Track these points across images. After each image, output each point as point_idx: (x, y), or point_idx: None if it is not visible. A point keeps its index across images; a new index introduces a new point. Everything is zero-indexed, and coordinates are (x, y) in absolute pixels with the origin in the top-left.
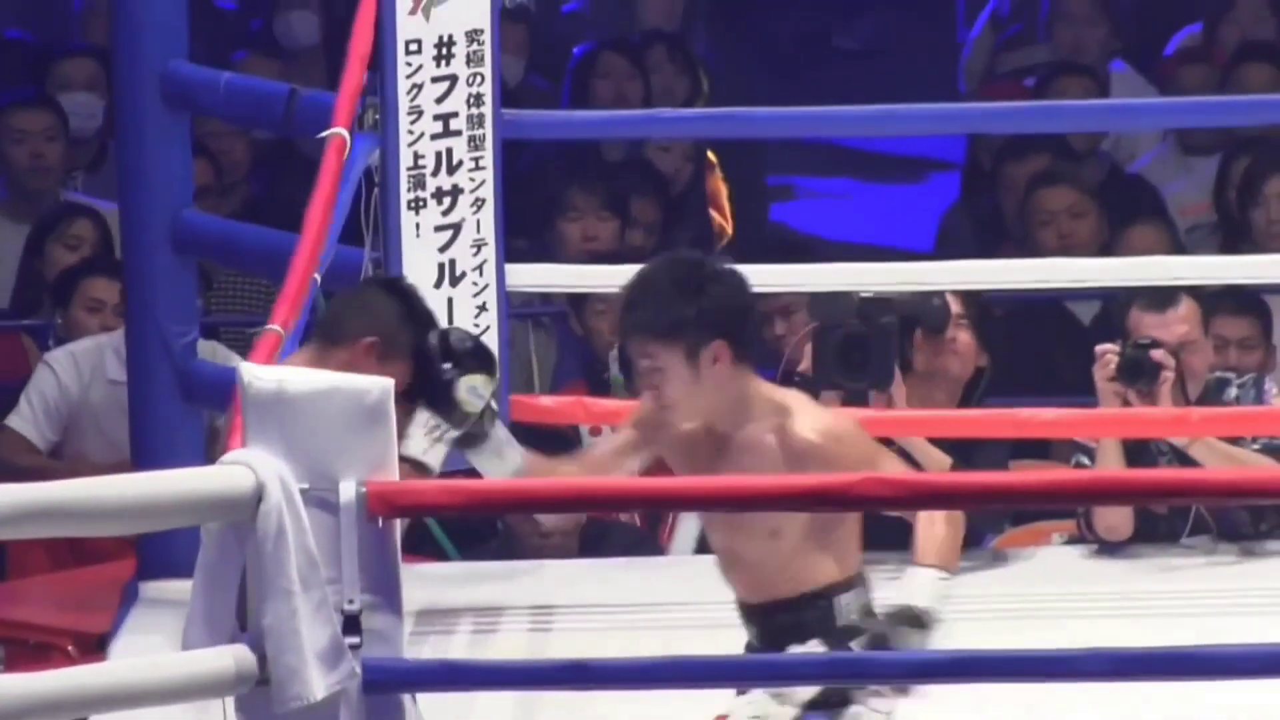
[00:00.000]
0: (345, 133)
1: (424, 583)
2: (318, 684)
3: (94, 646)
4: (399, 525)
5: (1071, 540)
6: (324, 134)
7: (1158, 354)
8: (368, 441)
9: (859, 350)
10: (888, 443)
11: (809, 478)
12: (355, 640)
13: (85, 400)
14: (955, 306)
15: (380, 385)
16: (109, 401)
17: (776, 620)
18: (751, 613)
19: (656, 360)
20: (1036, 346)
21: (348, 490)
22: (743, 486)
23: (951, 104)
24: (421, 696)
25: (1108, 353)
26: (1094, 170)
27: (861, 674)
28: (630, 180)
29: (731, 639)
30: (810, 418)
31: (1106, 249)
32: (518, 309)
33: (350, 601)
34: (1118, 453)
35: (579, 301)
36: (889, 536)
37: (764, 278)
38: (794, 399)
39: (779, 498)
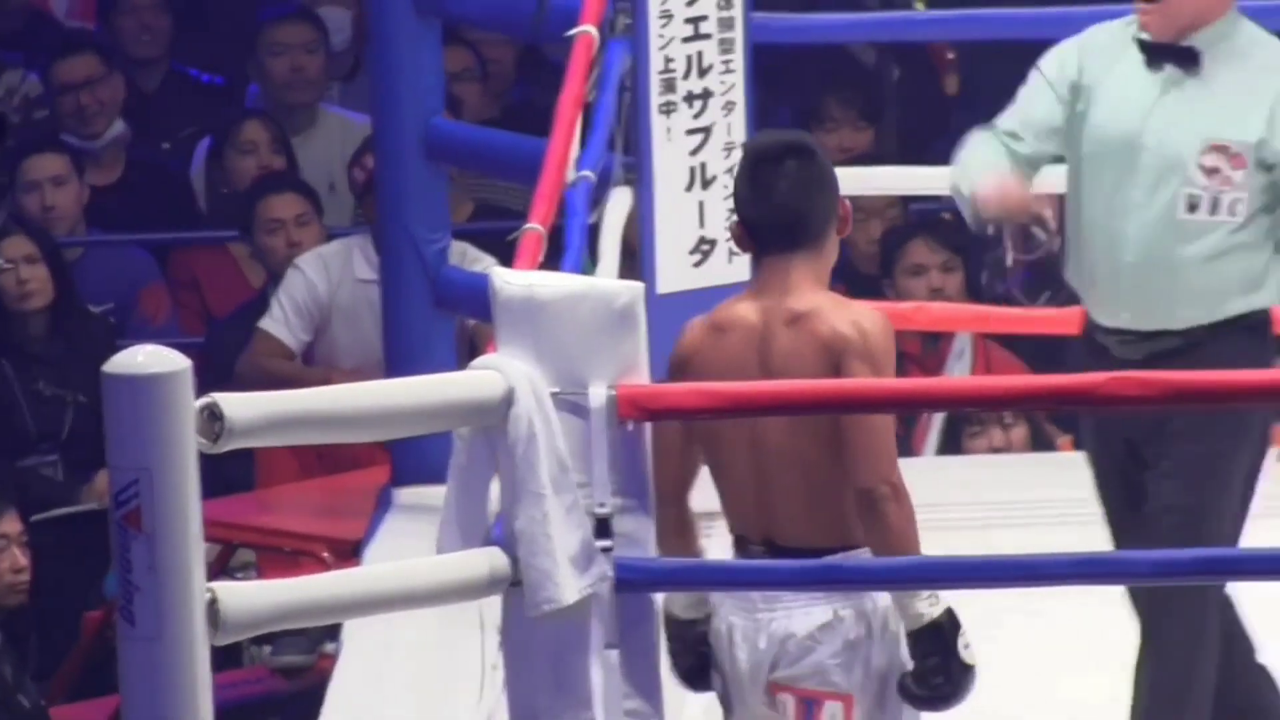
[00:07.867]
0: (593, 30)
1: None
2: (569, 587)
3: (349, 553)
4: (649, 429)
5: None
6: (571, 32)
7: None
8: (617, 345)
9: None
10: None
11: (1052, 379)
12: (607, 543)
13: (335, 300)
14: None
15: (630, 289)
16: (358, 300)
17: None
18: None
19: None
20: None
21: (598, 394)
22: (984, 387)
23: None
24: None
25: None
26: None
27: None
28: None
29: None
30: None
31: None
32: None
33: (601, 505)
34: None
35: None
36: None
37: None
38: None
39: (1017, 398)
